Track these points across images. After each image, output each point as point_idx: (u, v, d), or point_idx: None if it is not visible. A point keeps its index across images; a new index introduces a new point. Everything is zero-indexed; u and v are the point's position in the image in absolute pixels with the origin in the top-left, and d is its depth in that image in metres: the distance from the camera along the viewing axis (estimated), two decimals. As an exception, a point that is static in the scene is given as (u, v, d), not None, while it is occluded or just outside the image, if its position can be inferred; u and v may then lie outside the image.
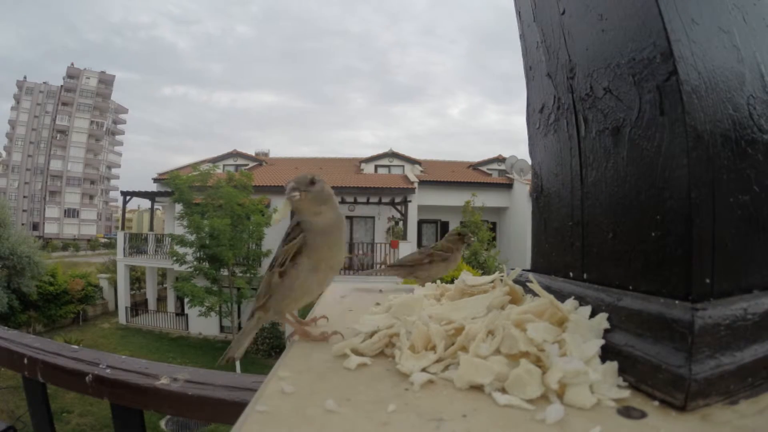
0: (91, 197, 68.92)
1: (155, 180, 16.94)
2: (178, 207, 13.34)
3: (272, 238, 13.95)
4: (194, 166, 14.50)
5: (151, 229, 19.44)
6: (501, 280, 0.55)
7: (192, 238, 12.49)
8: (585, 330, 0.41)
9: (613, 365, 0.37)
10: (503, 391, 0.36)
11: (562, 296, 0.46)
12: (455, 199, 15.90)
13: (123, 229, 18.69)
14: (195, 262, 12.73)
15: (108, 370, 0.84)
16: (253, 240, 13.76)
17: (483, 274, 0.94)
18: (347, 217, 16.01)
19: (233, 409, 0.73)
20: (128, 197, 17.21)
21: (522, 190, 15.72)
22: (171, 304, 17.80)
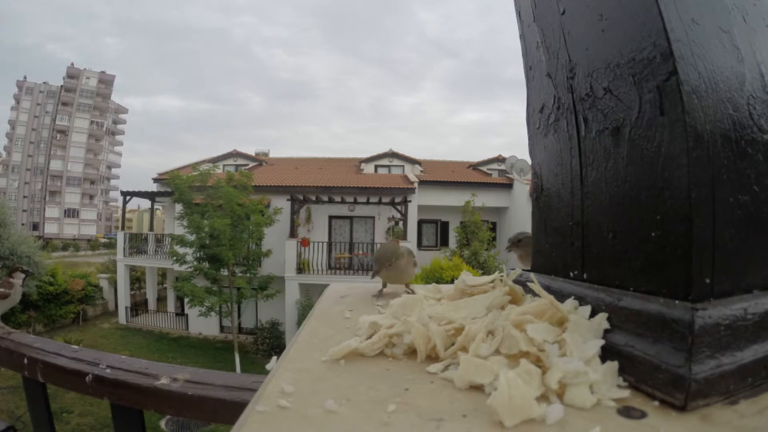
0: (91, 197, 68.96)
1: (155, 180, 16.95)
2: (178, 207, 13.34)
3: (272, 238, 13.97)
4: (194, 166, 14.50)
5: (151, 229, 19.44)
6: (501, 280, 0.55)
7: (192, 238, 12.48)
8: (585, 330, 0.41)
9: (613, 365, 0.37)
10: (503, 391, 0.36)
11: (562, 296, 0.46)
12: (455, 199, 15.91)
13: (123, 229, 18.67)
14: (195, 262, 12.72)
15: (108, 370, 0.84)
16: (253, 240, 13.75)
17: (483, 274, 0.94)
18: (347, 217, 16.03)
19: (233, 409, 0.74)
20: (128, 197, 17.21)
21: (522, 190, 15.71)
22: (171, 304, 17.81)
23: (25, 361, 0.93)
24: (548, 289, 0.47)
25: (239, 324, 14.58)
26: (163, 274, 19.53)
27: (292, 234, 14.25)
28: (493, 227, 16.52)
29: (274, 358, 0.48)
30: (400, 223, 14.95)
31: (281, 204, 13.91)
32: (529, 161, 0.62)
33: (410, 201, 14.81)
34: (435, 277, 10.76)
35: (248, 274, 13.58)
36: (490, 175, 19.35)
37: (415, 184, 15.64)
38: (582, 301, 0.45)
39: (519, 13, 0.62)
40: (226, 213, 12.47)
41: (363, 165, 20.00)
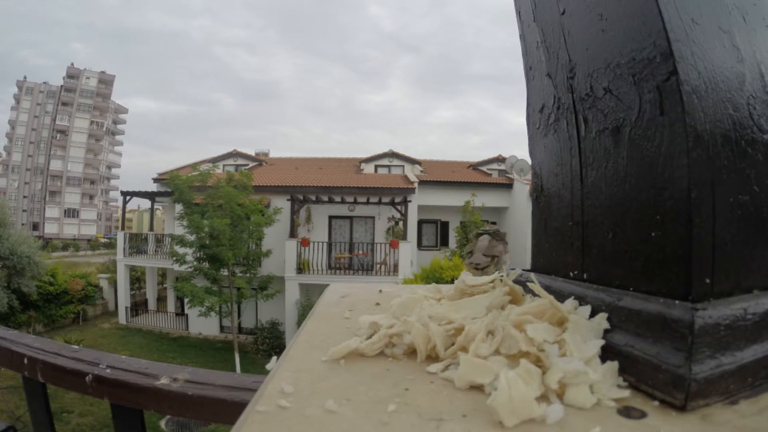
0: (91, 197, 69.00)
1: (155, 180, 16.96)
2: (178, 207, 13.34)
3: (272, 238, 13.97)
4: (194, 166, 14.52)
5: (151, 229, 19.45)
6: (501, 280, 0.55)
7: (192, 238, 12.49)
8: (585, 330, 0.41)
9: (613, 365, 0.37)
10: (503, 391, 0.36)
11: (562, 296, 0.46)
12: (455, 199, 15.92)
13: (123, 229, 18.68)
14: (195, 262, 12.73)
15: (108, 370, 0.84)
16: (253, 240, 13.76)
17: (483, 274, 0.94)
18: (347, 217, 16.03)
19: (233, 409, 0.73)
20: (128, 197, 17.21)
21: (522, 190, 15.73)
22: (171, 304, 17.83)
23: (25, 361, 0.93)
24: (548, 289, 0.47)
25: (239, 324, 14.58)
26: (163, 274, 19.55)
27: (292, 234, 14.25)
28: (493, 227, 16.50)
29: (274, 358, 0.48)
30: (400, 223, 14.94)
31: (281, 204, 13.91)
32: (529, 161, 0.62)
33: (410, 201, 14.81)
34: (435, 277, 10.77)
35: (248, 274, 13.59)
36: (490, 175, 19.36)
37: (415, 184, 15.64)
38: (582, 301, 0.45)
39: (519, 13, 0.62)
40: (226, 213, 12.48)
41: (363, 165, 20.01)
